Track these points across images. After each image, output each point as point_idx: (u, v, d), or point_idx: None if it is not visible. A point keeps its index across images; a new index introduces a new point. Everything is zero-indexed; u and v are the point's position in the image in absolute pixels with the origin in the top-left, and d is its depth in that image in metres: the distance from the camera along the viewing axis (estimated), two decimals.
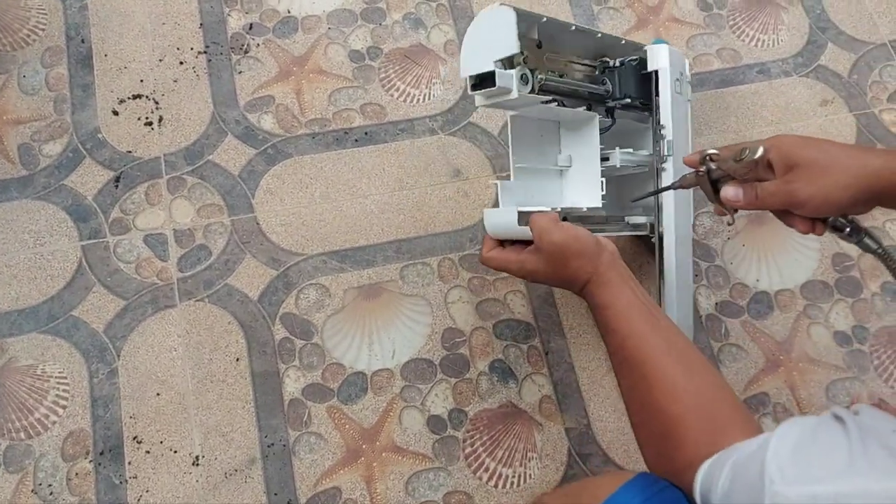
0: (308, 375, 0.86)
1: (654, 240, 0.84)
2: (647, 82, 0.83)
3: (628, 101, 0.81)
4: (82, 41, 0.99)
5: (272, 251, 0.91)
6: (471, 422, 0.86)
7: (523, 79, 0.69)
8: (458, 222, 0.95)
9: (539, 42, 0.72)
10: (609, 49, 0.83)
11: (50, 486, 0.80)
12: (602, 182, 0.79)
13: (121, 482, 0.81)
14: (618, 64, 0.82)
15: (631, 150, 0.84)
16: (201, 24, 1.01)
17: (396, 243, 0.93)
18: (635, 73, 0.82)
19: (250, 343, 0.87)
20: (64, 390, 0.84)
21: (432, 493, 0.83)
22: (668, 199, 0.82)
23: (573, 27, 0.76)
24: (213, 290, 0.89)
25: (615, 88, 0.81)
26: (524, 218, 0.72)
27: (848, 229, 0.63)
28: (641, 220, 0.87)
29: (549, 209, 0.74)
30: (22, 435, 0.82)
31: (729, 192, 0.64)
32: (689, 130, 0.87)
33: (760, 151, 0.60)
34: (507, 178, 0.79)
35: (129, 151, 0.94)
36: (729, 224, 0.75)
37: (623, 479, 0.57)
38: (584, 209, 0.80)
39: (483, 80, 0.68)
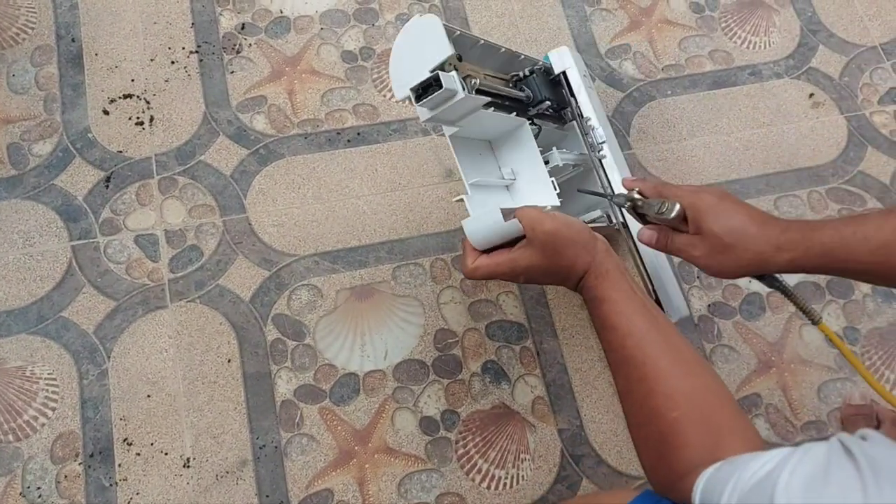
0: (300, 376, 0.86)
1: (618, 227, 0.83)
2: (557, 87, 0.84)
3: (548, 103, 0.80)
4: (72, 40, 0.98)
5: (264, 252, 0.91)
6: (463, 423, 0.86)
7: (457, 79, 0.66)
8: (451, 223, 0.95)
9: (459, 55, 0.70)
10: (514, 65, 0.82)
11: (39, 488, 0.79)
12: (553, 181, 0.77)
13: (111, 484, 0.80)
14: (527, 73, 0.81)
15: (565, 150, 0.83)
16: (193, 24, 1.00)
17: (389, 244, 0.93)
18: (545, 79, 0.82)
19: (242, 344, 0.87)
20: (53, 392, 0.83)
21: (425, 494, 0.83)
22: (614, 180, 0.84)
23: (482, 41, 0.74)
24: (205, 291, 0.88)
25: (534, 93, 0.80)
26: (508, 214, 0.68)
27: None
28: (595, 214, 0.88)
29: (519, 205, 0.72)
30: (10, 437, 0.81)
31: (644, 234, 0.70)
32: (606, 117, 0.91)
33: (676, 212, 0.65)
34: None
35: (120, 151, 0.93)
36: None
37: (628, 497, 0.57)
38: (548, 207, 0.78)
39: (426, 89, 0.65)
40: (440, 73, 0.64)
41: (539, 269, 0.67)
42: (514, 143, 0.80)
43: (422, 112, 0.68)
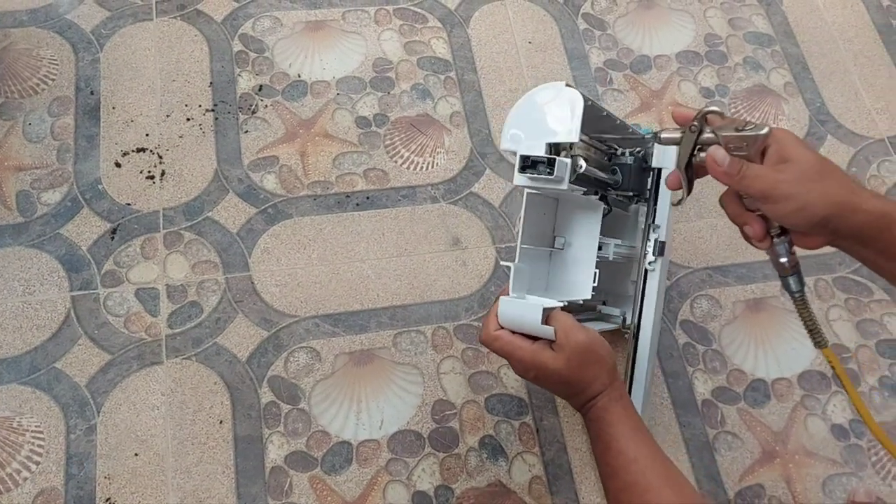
0: (292, 442, 0.84)
1: (629, 335, 0.81)
2: (644, 175, 0.81)
3: (631, 194, 0.80)
4: (91, 93, 0.99)
5: (265, 311, 0.90)
6: (457, 500, 0.83)
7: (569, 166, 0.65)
8: (455, 291, 0.94)
9: None
10: (617, 134, 0.81)
11: None
12: (596, 273, 0.75)
13: None
14: (628, 155, 0.80)
15: (619, 241, 0.82)
16: (211, 83, 1.02)
17: (391, 309, 0.92)
18: (639, 165, 0.80)
19: (235, 405, 0.85)
20: (39, 445, 0.81)
21: None
22: (650, 296, 0.79)
23: (605, 112, 0.73)
24: (202, 349, 0.87)
25: (624, 180, 0.79)
26: (546, 315, 0.66)
27: (788, 257, 0.62)
28: (615, 311, 0.87)
29: (558, 304, 0.70)
30: None
31: (718, 153, 0.60)
32: (670, 224, 0.87)
33: (766, 129, 0.58)
34: (509, 256, 0.75)
35: (129, 204, 0.93)
36: (673, 204, 0.71)
37: None
38: (581, 301, 0.76)
39: (536, 164, 0.64)
40: (557, 158, 0.63)
41: (557, 375, 0.65)
42: (581, 218, 0.78)
43: (519, 178, 0.66)
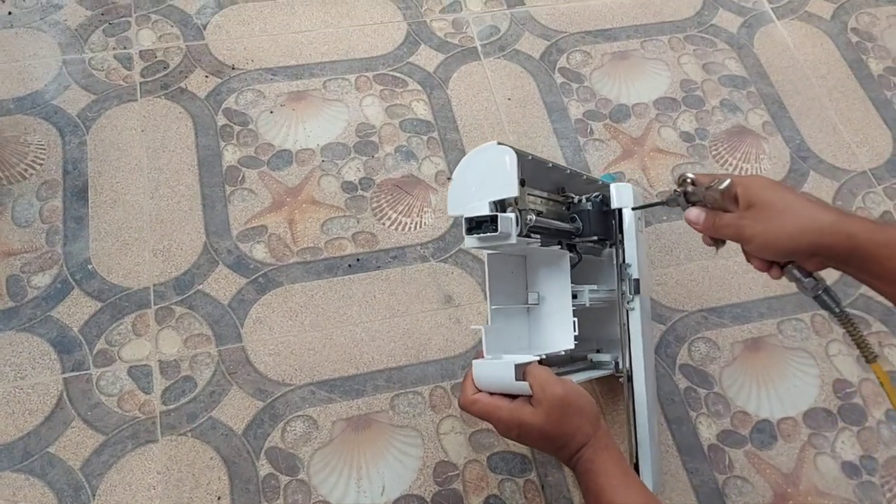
0: None
1: (623, 379, 0.80)
2: (607, 218, 0.82)
3: (595, 238, 0.80)
4: (79, 175, 1.00)
5: (259, 382, 0.89)
6: None
7: (515, 221, 0.66)
8: (450, 349, 0.93)
9: (522, 180, 0.70)
10: (571, 184, 0.82)
11: None
12: (574, 322, 0.75)
13: None
14: (585, 202, 0.81)
15: (595, 286, 0.82)
16: (197, 158, 1.03)
17: (387, 372, 0.91)
18: (598, 209, 0.81)
19: (233, 480, 0.83)
20: None
21: None
22: (635, 335, 0.79)
23: (550, 164, 0.75)
24: (197, 424, 0.86)
25: (585, 226, 0.80)
26: (520, 371, 0.66)
27: (805, 281, 0.66)
28: (606, 357, 0.86)
29: (535, 357, 0.70)
30: None
31: (692, 213, 0.69)
32: (647, 263, 0.87)
33: (727, 183, 0.64)
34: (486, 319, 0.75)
35: (119, 282, 0.93)
36: (714, 249, 0.74)
37: None
38: (563, 352, 0.76)
39: (480, 224, 0.65)
40: (499, 215, 0.64)
41: (538, 431, 0.65)
42: (549, 269, 0.79)
43: (468, 241, 0.67)
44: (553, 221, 0.75)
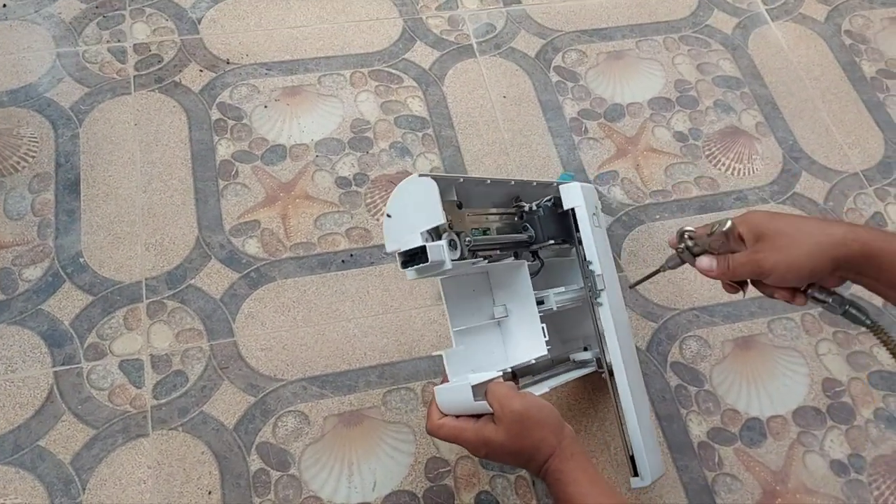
0: None
1: (605, 374, 0.81)
2: (564, 219, 0.82)
3: (552, 242, 0.80)
4: (71, 168, 1.00)
5: (251, 377, 0.89)
6: None
7: (451, 245, 0.66)
8: (442, 346, 0.93)
9: (459, 203, 0.70)
10: (523, 193, 0.82)
11: None
12: (543, 328, 0.75)
13: None
14: (535, 208, 0.80)
15: (562, 287, 0.82)
16: (190, 152, 1.03)
17: (379, 368, 0.91)
18: (552, 212, 0.81)
19: (224, 475, 0.83)
20: None
21: None
22: (609, 329, 0.80)
23: (488, 181, 0.74)
24: (188, 419, 0.86)
25: (538, 232, 0.80)
26: (480, 390, 0.67)
27: (830, 300, 0.65)
28: (587, 355, 0.87)
29: (499, 373, 0.70)
30: None
31: (703, 262, 0.67)
32: (611, 257, 0.87)
33: (728, 224, 0.64)
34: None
35: (110, 276, 0.93)
36: (741, 293, 0.73)
37: None
38: (533, 360, 0.77)
39: (413, 256, 0.65)
40: (427, 245, 0.64)
41: (503, 447, 0.65)
42: (510, 281, 0.79)
43: (409, 273, 0.67)
44: (500, 236, 0.75)
